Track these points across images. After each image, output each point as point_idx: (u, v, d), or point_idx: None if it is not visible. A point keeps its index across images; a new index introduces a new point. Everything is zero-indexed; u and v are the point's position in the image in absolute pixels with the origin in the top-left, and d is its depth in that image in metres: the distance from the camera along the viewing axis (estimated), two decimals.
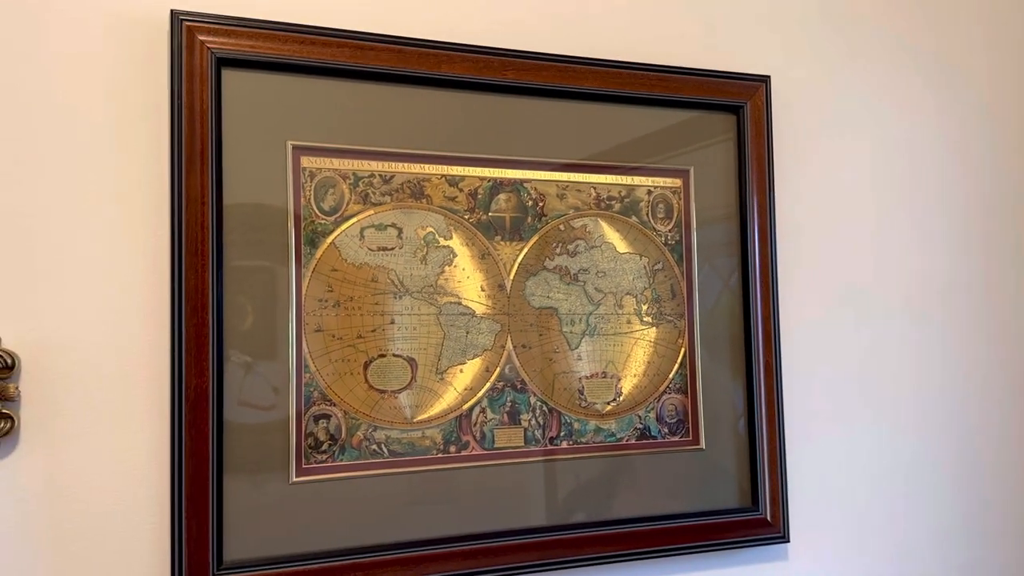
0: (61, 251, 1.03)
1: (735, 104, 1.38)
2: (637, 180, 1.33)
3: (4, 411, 0.97)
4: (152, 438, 1.06)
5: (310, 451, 1.12)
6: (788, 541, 1.36)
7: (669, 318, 1.34)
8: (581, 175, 1.29)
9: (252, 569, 1.06)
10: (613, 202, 1.31)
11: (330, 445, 1.13)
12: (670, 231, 1.35)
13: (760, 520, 1.34)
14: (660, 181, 1.34)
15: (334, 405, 1.13)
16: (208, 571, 1.04)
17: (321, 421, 1.13)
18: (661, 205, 1.34)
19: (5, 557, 0.99)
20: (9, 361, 0.97)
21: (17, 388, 0.99)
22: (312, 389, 1.12)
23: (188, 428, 1.04)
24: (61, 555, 1.02)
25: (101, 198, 1.06)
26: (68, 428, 1.02)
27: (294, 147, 1.13)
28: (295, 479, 1.11)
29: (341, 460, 1.13)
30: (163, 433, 1.06)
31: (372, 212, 1.17)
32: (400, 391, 1.17)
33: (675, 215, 1.35)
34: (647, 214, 1.33)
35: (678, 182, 1.35)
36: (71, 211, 1.04)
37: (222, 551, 1.06)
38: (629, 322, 1.31)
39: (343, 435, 1.14)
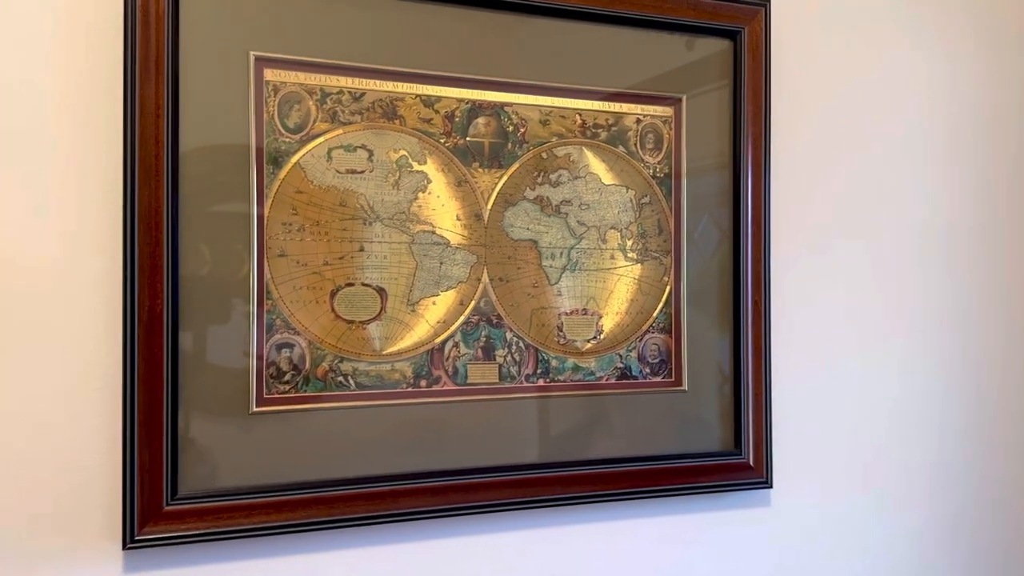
0: (8, 164, 0.97)
1: (732, 29, 1.30)
2: (625, 107, 1.26)
3: None
4: (104, 362, 1.01)
5: (272, 380, 1.07)
6: (771, 487, 1.32)
7: (655, 255, 1.28)
8: (566, 100, 1.22)
9: (208, 500, 1.03)
10: (599, 130, 1.24)
11: (293, 375, 1.08)
12: (659, 163, 1.28)
13: (743, 464, 1.30)
14: (650, 109, 1.27)
15: (298, 334, 1.08)
16: (161, 501, 1.00)
17: (284, 350, 1.08)
18: (650, 135, 1.27)
19: None
20: None
21: None
22: (274, 316, 1.07)
23: (141, 352, 0.99)
24: (10, 477, 0.97)
25: (51, 109, 0.99)
26: (13, 350, 0.97)
27: (256, 58, 1.06)
28: (255, 409, 1.06)
29: (305, 391, 1.09)
30: (115, 358, 1.01)
31: (341, 132, 1.10)
32: (369, 322, 1.12)
33: (665, 146, 1.28)
34: (635, 144, 1.26)
35: (669, 111, 1.28)
36: (18, 124, 0.98)
37: (177, 481, 1.02)
38: (613, 258, 1.25)
39: (307, 365, 1.09)
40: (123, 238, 0.98)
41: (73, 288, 1.00)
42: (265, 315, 1.06)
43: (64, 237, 1.00)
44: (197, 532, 1.02)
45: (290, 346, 1.08)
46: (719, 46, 1.31)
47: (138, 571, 1.03)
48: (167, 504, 1.00)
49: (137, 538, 0.99)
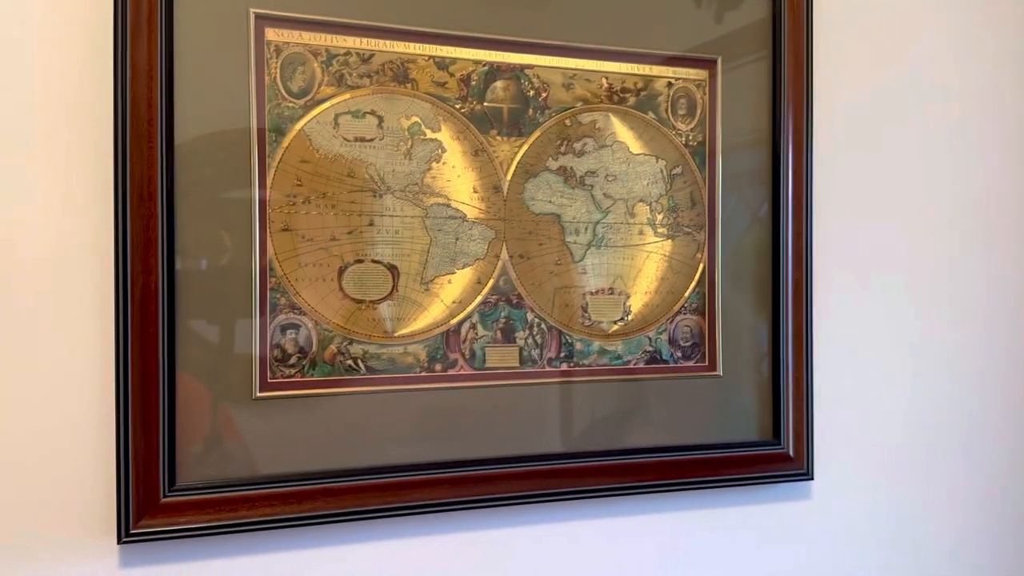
0: None
1: None
2: (656, 70, 1.17)
3: None
4: (97, 343, 0.94)
5: (276, 364, 1.00)
6: (812, 479, 1.23)
7: (687, 230, 1.19)
8: (591, 62, 1.13)
9: (209, 491, 0.96)
10: (627, 95, 1.15)
11: (299, 358, 1.01)
12: (692, 130, 1.19)
13: (782, 455, 1.21)
14: (683, 72, 1.18)
15: (304, 314, 1.01)
16: (158, 493, 0.93)
17: (289, 331, 1.00)
18: (683, 100, 1.18)
19: None
20: None
21: None
22: (278, 295, 1.00)
23: (135, 331, 0.92)
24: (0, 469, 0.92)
25: (39, 72, 0.93)
26: (6, 332, 0.91)
27: (257, 16, 0.98)
28: (259, 394, 0.99)
29: (312, 375, 1.01)
30: (108, 337, 0.94)
31: (348, 96, 1.02)
32: (380, 301, 1.04)
33: (699, 112, 1.19)
34: (666, 110, 1.17)
35: (703, 74, 1.19)
36: (5, 89, 0.91)
37: (175, 471, 0.95)
38: (641, 233, 1.17)
39: (314, 348, 1.01)
40: (114, 209, 0.91)
41: (61, 264, 0.93)
42: (269, 294, 0.99)
43: (52, 210, 0.93)
44: (197, 525, 0.95)
45: (295, 327, 1.01)
46: (758, 12, 1.22)
47: (134, 566, 0.97)
48: (164, 496, 0.94)
49: (133, 532, 0.93)
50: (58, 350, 0.93)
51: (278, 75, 0.99)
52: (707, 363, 1.20)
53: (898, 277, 1.34)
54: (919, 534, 1.36)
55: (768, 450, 1.21)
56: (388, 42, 1.04)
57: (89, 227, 0.94)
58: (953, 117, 1.37)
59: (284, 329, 1.00)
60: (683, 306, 1.19)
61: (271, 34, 0.99)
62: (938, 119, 1.36)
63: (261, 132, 0.98)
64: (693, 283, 1.19)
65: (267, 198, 0.99)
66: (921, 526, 1.36)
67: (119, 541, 0.93)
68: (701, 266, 1.20)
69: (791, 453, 1.22)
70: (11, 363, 0.92)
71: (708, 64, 1.19)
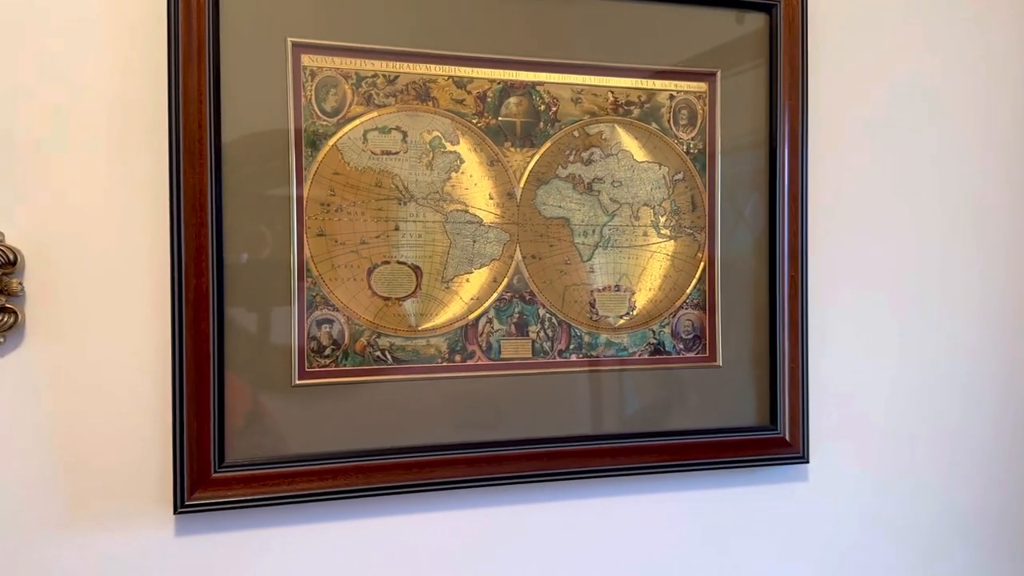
0: (62, 149, 1.03)
1: (768, 3, 1.28)
2: (659, 84, 1.26)
3: (8, 306, 0.99)
4: (154, 336, 1.06)
5: (313, 355, 1.11)
6: (807, 462, 1.31)
7: (689, 231, 1.28)
8: (598, 78, 1.23)
9: (254, 468, 1.08)
10: (632, 107, 1.25)
11: (333, 350, 1.12)
12: (693, 139, 1.28)
13: (778, 440, 1.30)
14: (684, 85, 1.27)
15: (337, 310, 1.12)
16: (209, 469, 1.05)
17: (324, 326, 1.12)
18: (684, 111, 1.27)
19: (13, 448, 1.02)
20: (12, 257, 0.98)
21: (20, 284, 1.00)
22: (314, 294, 1.11)
23: (189, 328, 1.04)
24: (66, 449, 1.04)
25: (101, 95, 1.05)
26: (71, 324, 1.04)
27: (294, 44, 1.10)
28: (297, 382, 1.11)
29: (344, 365, 1.13)
30: (165, 331, 1.06)
31: (376, 114, 1.13)
32: (405, 299, 1.15)
33: (699, 122, 1.28)
34: (668, 120, 1.27)
35: (703, 86, 1.28)
36: (71, 109, 1.04)
37: (224, 450, 1.07)
38: (646, 234, 1.26)
39: (346, 340, 1.13)
40: (170, 220, 1.03)
41: (125, 267, 1.05)
42: (306, 292, 1.11)
43: (115, 220, 1.05)
44: (243, 498, 1.07)
45: (329, 322, 1.12)
46: (754, 23, 1.30)
47: (188, 535, 1.09)
48: (215, 471, 1.06)
49: (187, 503, 1.05)
50: (120, 344, 1.06)
51: (313, 96, 1.11)
52: (707, 354, 1.29)
53: (889, 272, 1.41)
54: (909, 514, 1.43)
55: (765, 435, 1.29)
56: (411, 64, 1.15)
57: (148, 236, 1.06)
58: (943, 120, 1.43)
59: (319, 323, 1.12)
60: (685, 301, 1.28)
61: (307, 60, 1.10)
62: (928, 122, 1.43)
63: (298, 147, 1.10)
64: (694, 280, 1.29)
65: (304, 206, 1.10)
66: (910, 506, 1.43)
67: (175, 512, 1.05)
68: (702, 264, 1.29)
69: (787, 438, 1.30)
70: (80, 354, 1.04)
71: (708, 76, 1.28)
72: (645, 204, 1.26)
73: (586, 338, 1.23)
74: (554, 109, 1.21)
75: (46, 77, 1.02)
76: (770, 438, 1.30)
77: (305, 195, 1.10)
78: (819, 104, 1.36)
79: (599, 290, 1.24)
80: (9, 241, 1.00)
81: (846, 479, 1.39)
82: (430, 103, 1.16)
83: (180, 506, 1.05)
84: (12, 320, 0.99)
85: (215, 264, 1.05)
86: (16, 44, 1.02)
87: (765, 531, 1.34)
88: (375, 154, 1.13)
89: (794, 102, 1.31)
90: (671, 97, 1.26)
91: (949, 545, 1.46)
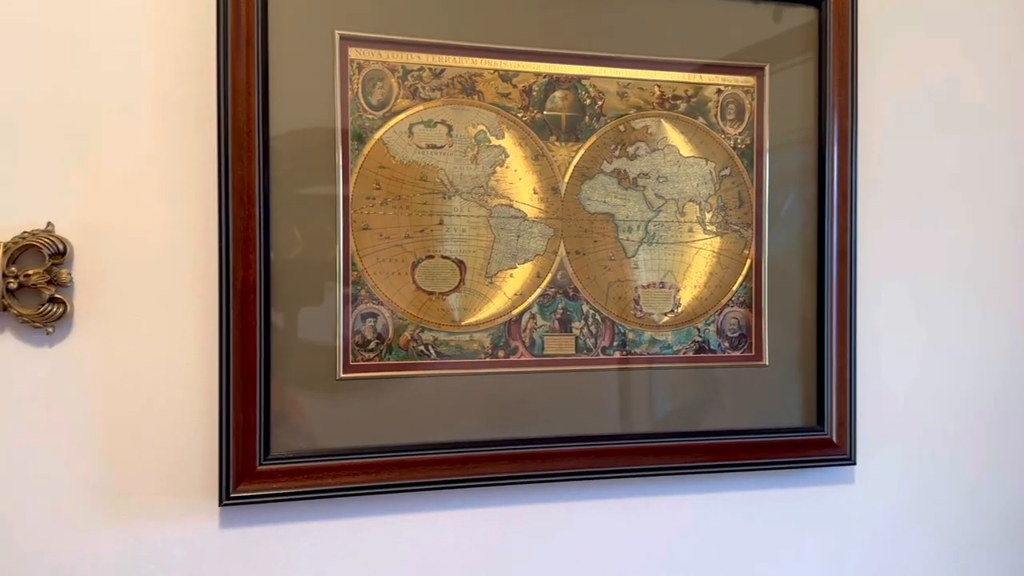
0: (112, 140, 1.04)
1: None
2: (706, 78, 1.24)
3: (58, 296, 1.00)
4: (201, 328, 1.07)
5: (357, 349, 1.11)
6: (854, 463, 1.29)
7: (735, 227, 1.26)
8: (644, 72, 1.21)
9: (298, 461, 1.08)
10: (678, 101, 1.23)
11: (377, 344, 1.12)
12: (740, 134, 1.26)
13: (825, 440, 1.28)
14: (731, 79, 1.25)
15: (381, 304, 1.12)
16: (255, 462, 1.06)
17: (368, 320, 1.12)
18: (731, 105, 1.25)
19: (61, 437, 1.03)
20: (61, 247, 0.99)
21: (70, 274, 1.01)
22: (359, 287, 1.11)
23: (236, 320, 1.04)
24: (114, 436, 1.05)
25: (150, 87, 1.05)
26: (119, 315, 1.04)
27: (341, 37, 1.09)
28: (342, 375, 1.10)
29: (388, 359, 1.12)
30: (212, 323, 1.07)
31: (421, 108, 1.13)
32: (448, 293, 1.15)
33: (747, 117, 1.26)
34: (715, 115, 1.25)
35: (751, 80, 1.26)
36: (121, 101, 1.04)
37: (269, 442, 1.07)
38: (691, 230, 1.24)
39: (390, 334, 1.12)
40: (218, 212, 1.04)
41: (173, 261, 1.06)
42: (351, 286, 1.11)
43: (163, 212, 1.06)
44: (287, 491, 1.07)
45: (374, 316, 1.12)
46: (803, 17, 1.28)
47: (233, 526, 1.09)
48: (260, 464, 1.06)
49: (232, 495, 1.05)
50: (167, 336, 1.06)
51: (359, 90, 1.10)
52: (753, 353, 1.27)
53: (940, 272, 1.38)
54: (958, 518, 1.40)
55: (811, 435, 1.27)
56: (457, 58, 1.14)
57: (198, 226, 1.06)
58: (998, 117, 1.40)
59: (364, 317, 1.11)
60: (731, 299, 1.26)
61: (354, 53, 1.10)
62: (981, 120, 1.39)
63: (345, 141, 1.10)
64: (740, 277, 1.27)
65: (350, 200, 1.10)
66: (961, 512, 1.40)
67: (220, 503, 1.05)
68: (748, 261, 1.27)
69: (834, 439, 1.28)
70: (127, 346, 1.05)
71: (756, 71, 1.26)
72: (691, 200, 1.24)
73: (630, 335, 1.22)
74: (600, 103, 1.20)
75: (95, 69, 1.03)
76: (816, 439, 1.27)
77: (351, 188, 1.10)
78: (869, 100, 1.33)
79: (643, 287, 1.23)
80: (59, 231, 1.01)
81: (893, 482, 1.36)
82: (476, 97, 1.15)
83: (225, 498, 1.05)
84: (61, 311, 1.00)
85: (262, 256, 1.05)
86: (66, 36, 1.02)
87: (809, 533, 1.32)
88: (420, 148, 1.13)
89: (843, 99, 1.28)
90: (718, 91, 1.25)
91: (996, 549, 1.42)
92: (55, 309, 0.99)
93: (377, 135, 1.11)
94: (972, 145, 1.39)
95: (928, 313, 1.37)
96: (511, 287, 1.17)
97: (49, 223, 1.01)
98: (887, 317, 1.35)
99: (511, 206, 1.17)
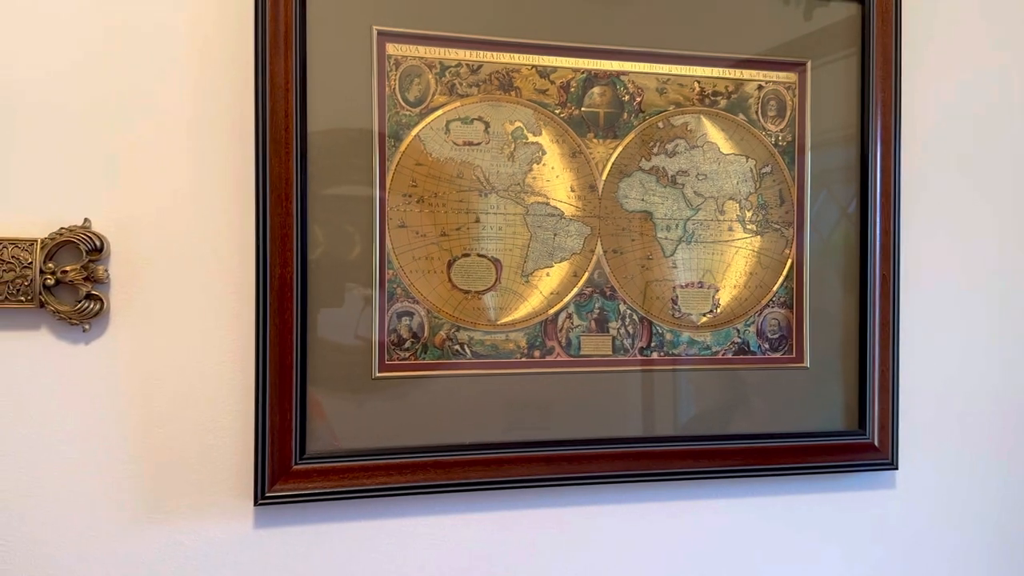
0: (149, 138, 1.03)
1: None
2: (746, 74, 1.22)
3: (94, 292, 0.99)
4: (237, 326, 1.06)
5: (393, 348, 1.10)
6: (896, 468, 1.26)
7: (776, 226, 1.24)
8: (684, 67, 1.19)
9: (334, 460, 1.07)
10: (719, 98, 1.21)
11: (412, 343, 1.11)
12: (781, 131, 1.23)
13: (867, 445, 1.25)
14: (773, 75, 1.23)
15: (417, 303, 1.11)
16: (291, 461, 1.05)
17: (404, 318, 1.10)
18: (772, 102, 1.23)
19: (96, 433, 1.03)
20: (98, 243, 0.99)
21: (106, 271, 1.01)
22: (395, 286, 1.10)
23: (273, 318, 1.03)
24: (149, 434, 1.04)
25: (188, 84, 1.05)
26: (155, 312, 1.04)
27: (379, 32, 1.08)
28: (378, 374, 1.09)
29: (424, 359, 1.11)
30: (247, 321, 1.06)
31: (458, 104, 1.12)
32: (484, 292, 1.13)
33: (788, 113, 1.23)
34: (756, 112, 1.22)
35: (793, 77, 1.23)
36: (158, 98, 1.04)
37: (305, 441, 1.06)
38: (731, 229, 1.22)
39: (426, 333, 1.11)
40: (256, 210, 1.03)
41: (209, 257, 1.05)
42: (387, 283, 1.09)
43: (200, 209, 1.05)
44: (322, 491, 1.06)
45: (410, 314, 1.11)
46: (846, 11, 1.25)
47: (268, 526, 1.08)
48: (296, 463, 1.05)
49: (268, 495, 1.04)
50: (204, 334, 1.05)
51: (396, 86, 1.09)
52: (794, 355, 1.24)
53: (984, 272, 1.34)
54: (1003, 525, 1.36)
55: (853, 439, 1.24)
56: (495, 53, 1.12)
57: (235, 223, 1.06)
58: None
59: (400, 316, 1.10)
60: (771, 300, 1.24)
61: (391, 49, 1.09)
62: None
63: (382, 137, 1.08)
64: (781, 278, 1.24)
65: (386, 197, 1.09)
66: (1005, 517, 1.36)
67: (255, 503, 1.04)
68: (789, 261, 1.24)
69: (876, 443, 1.25)
70: (164, 343, 1.04)
71: (798, 67, 1.23)
72: (731, 198, 1.22)
73: (668, 336, 1.20)
74: (638, 99, 1.18)
75: (133, 66, 1.03)
76: (858, 443, 1.25)
77: (387, 186, 1.09)
78: (913, 98, 1.30)
79: (682, 286, 1.21)
80: (96, 228, 1.01)
81: (935, 486, 1.33)
82: (513, 93, 1.13)
83: (261, 497, 1.04)
84: (98, 307, 0.99)
85: (299, 254, 1.04)
86: (104, 33, 1.02)
87: (848, 539, 1.29)
88: (457, 145, 1.12)
89: (887, 95, 1.25)
90: (759, 88, 1.22)
91: None
92: (91, 306, 0.99)
93: (414, 132, 1.10)
94: (1022, 145, 1.35)
95: (971, 315, 1.34)
96: (547, 286, 1.16)
97: (86, 219, 1.00)
98: (930, 319, 1.32)
99: (548, 204, 1.15)
